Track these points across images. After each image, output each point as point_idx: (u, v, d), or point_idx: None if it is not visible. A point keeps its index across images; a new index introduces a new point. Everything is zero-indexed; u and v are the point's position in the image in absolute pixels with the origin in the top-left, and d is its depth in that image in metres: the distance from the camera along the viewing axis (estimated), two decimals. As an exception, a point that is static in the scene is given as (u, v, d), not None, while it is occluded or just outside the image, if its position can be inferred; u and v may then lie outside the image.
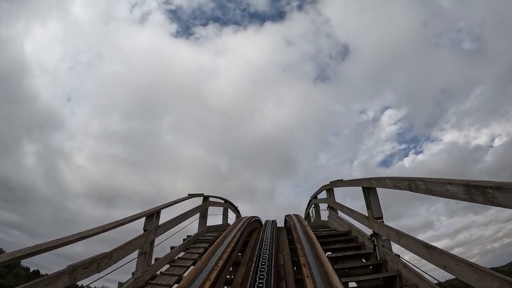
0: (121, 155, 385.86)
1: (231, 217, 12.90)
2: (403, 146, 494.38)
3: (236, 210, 13.89)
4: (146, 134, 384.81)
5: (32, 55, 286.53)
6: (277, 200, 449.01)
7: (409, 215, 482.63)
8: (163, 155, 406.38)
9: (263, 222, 10.49)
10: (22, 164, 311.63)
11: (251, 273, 4.37)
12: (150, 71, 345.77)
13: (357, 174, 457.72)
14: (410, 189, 4.12)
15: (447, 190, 3.21)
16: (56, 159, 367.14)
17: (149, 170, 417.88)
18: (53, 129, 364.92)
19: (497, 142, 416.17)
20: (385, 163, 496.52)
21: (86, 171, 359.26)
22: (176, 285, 5.07)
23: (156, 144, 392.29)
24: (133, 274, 5.30)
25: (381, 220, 5.72)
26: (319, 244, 5.12)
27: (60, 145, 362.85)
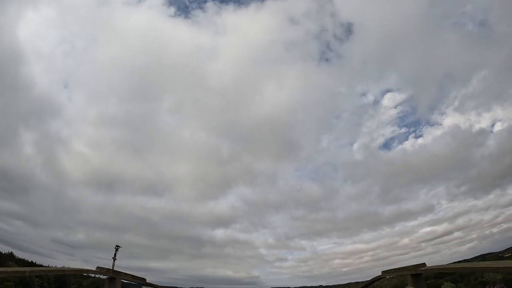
0: (120, 140, 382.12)
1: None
2: (403, 129, 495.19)
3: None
4: (145, 118, 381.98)
5: (26, 42, 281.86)
6: (278, 183, 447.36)
7: (410, 198, 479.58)
8: (163, 138, 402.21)
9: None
10: (21, 154, 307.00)
11: None
12: (147, 52, 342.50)
13: (358, 157, 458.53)
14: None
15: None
16: (54, 147, 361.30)
17: (149, 154, 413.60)
18: (50, 116, 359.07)
19: (500, 127, 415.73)
20: (386, 145, 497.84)
21: (85, 158, 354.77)
22: None
23: (156, 127, 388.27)
24: None
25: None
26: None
27: (58, 132, 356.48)
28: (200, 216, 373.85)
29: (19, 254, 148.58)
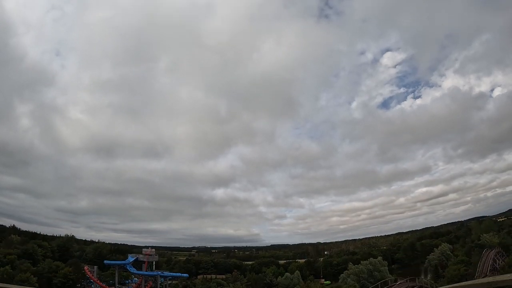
0: (117, 104, 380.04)
1: None
2: (402, 90, 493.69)
3: None
4: (141, 80, 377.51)
5: (14, 13, 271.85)
6: (277, 142, 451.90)
7: (407, 158, 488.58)
8: (160, 100, 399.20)
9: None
10: (18, 127, 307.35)
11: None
12: (139, 12, 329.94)
13: (357, 116, 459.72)
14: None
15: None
16: (51, 116, 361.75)
17: (147, 117, 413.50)
18: (44, 86, 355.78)
19: (500, 92, 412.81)
20: (385, 105, 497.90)
21: (83, 125, 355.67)
22: None
23: (152, 89, 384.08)
24: None
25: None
26: None
27: (53, 101, 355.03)
28: (200, 176, 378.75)
29: (24, 226, 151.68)
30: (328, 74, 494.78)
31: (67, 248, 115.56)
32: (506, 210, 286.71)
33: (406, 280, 45.82)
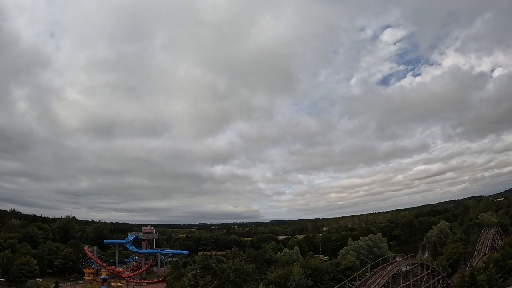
0: (114, 83, 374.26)
1: None
2: (401, 67, 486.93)
3: None
4: (137, 57, 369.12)
5: None
6: (276, 118, 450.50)
7: (405, 136, 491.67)
8: (158, 77, 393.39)
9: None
10: (15, 111, 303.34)
11: None
12: None
13: (356, 92, 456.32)
14: None
15: None
16: (48, 98, 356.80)
17: (145, 95, 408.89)
18: (40, 68, 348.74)
19: (500, 72, 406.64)
20: (384, 82, 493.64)
21: (80, 105, 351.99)
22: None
23: (149, 66, 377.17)
24: None
25: None
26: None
27: (49, 83, 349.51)
28: (199, 153, 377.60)
29: (26, 210, 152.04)
30: (327, 50, 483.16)
31: (68, 229, 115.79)
32: (503, 190, 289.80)
33: (407, 257, 45.37)
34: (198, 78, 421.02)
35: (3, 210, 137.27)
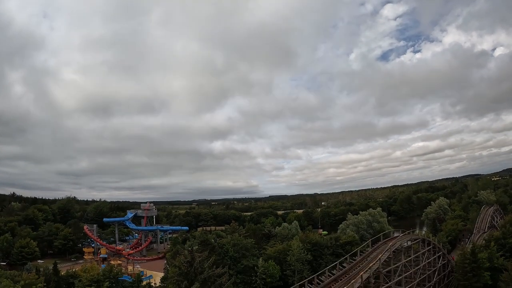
0: (110, 61, 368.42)
1: None
2: (402, 43, 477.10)
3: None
4: (133, 34, 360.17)
5: None
6: (274, 93, 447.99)
7: (405, 112, 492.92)
8: (155, 54, 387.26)
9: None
10: (11, 95, 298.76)
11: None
12: None
13: (355, 68, 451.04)
14: None
15: None
16: (44, 80, 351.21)
17: (142, 72, 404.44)
18: (34, 50, 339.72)
19: (502, 52, 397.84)
20: (384, 57, 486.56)
21: (77, 85, 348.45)
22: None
23: (146, 43, 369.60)
24: None
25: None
26: None
27: (44, 65, 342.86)
28: (197, 129, 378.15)
29: (27, 193, 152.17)
30: (326, 24, 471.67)
31: (68, 210, 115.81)
32: (501, 170, 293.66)
33: (409, 232, 44.92)
34: (196, 53, 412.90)
35: (3, 195, 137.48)
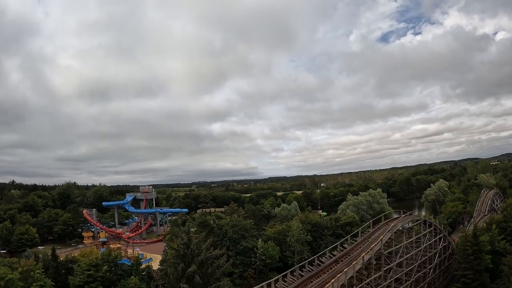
0: (107, 45, 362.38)
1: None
2: (402, 25, 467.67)
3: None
4: (130, 16, 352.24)
5: None
6: (273, 74, 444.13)
7: (404, 94, 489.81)
8: (152, 36, 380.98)
9: None
10: (8, 83, 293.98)
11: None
12: None
13: (355, 49, 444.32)
14: None
15: None
16: (40, 66, 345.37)
17: (140, 55, 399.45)
18: (30, 36, 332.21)
19: (503, 35, 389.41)
20: (384, 39, 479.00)
21: (74, 70, 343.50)
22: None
23: (143, 25, 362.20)
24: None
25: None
26: None
27: (40, 51, 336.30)
28: (196, 111, 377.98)
29: (27, 181, 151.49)
30: (325, 5, 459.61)
31: (68, 195, 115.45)
32: (499, 154, 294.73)
33: (410, 213, 44.49)
34: (193, 35, 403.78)
35: (3, 183, 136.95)
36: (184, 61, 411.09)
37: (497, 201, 72.83)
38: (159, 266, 40.63)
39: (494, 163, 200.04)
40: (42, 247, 66.55)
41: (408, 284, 36.03)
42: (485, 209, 64.65)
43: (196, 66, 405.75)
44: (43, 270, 38.81)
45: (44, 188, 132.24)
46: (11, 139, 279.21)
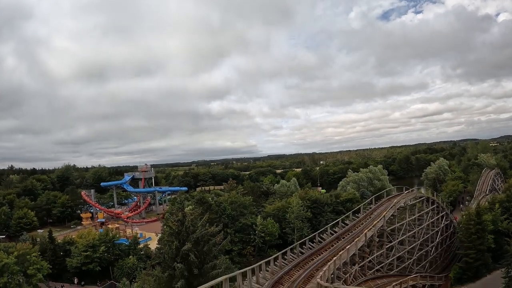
0: (103, 25, 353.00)
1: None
2: (403, 3, 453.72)
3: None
4: None
5: None
6: (272, 52, 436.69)
7: (404, 73, 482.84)
8: (148, 14, 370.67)
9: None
10: (3, 68, 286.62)
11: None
12: None
13: (355, 26, 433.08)
14: None
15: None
16: (35, 50, 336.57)
17: (136, 34, 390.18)
18: (23, 20, 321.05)
19: (506, 17, 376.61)
20: (385, 17, 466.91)
21: (70, 52, 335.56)
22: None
23: (139, 3, 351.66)
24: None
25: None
26: None
27: (35, 34, 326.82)
28: (195, 90, 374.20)
29: (26, 166, 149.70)
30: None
31: (67, 178, 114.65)
32: (498, 136, 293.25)
33: (412, 190, 43.59)
34: (191, 12, 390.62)
35: (2, 169, 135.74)
36: (182, 39, 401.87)
37: (498, 181, 72.24)
38: (157, 245, 40.02)
39: (493, 144, 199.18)
40: (41, 230, 66.15)
41: (410, 262, 35.49)
42: (486, 189, 64.00)
43: (194, 44, 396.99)
44: (39, 253, 38.23)
45: (43, 171, 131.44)
46: (9, 125, 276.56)
